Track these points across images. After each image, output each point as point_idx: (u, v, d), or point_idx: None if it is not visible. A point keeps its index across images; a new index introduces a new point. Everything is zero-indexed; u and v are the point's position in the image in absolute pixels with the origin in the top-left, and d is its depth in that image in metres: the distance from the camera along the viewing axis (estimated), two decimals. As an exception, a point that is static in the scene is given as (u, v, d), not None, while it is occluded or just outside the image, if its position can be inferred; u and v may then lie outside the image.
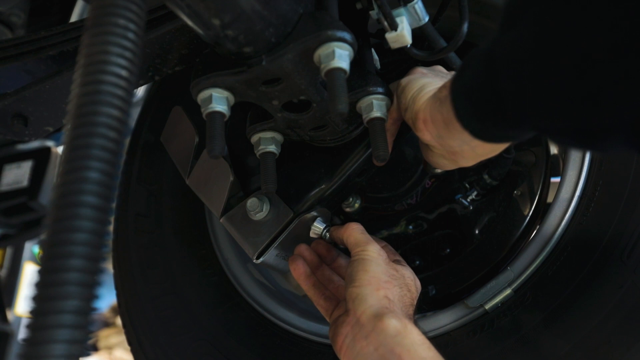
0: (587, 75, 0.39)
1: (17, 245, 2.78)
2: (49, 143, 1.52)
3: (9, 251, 2.82)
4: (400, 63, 0.82)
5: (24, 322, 2.79)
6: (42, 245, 0.35)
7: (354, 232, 0.70)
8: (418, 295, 0.69)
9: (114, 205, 0.38)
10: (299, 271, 0.72)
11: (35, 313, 0.33)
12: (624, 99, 0.38)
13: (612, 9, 0.36)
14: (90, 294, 0.35)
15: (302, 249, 0.74)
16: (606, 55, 0.37)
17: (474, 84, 0.50)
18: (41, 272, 0.34)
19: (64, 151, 0.37)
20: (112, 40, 0.40)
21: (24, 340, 0.33)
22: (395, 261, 0.71)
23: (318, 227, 0.75)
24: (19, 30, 1.24)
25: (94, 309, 0.35)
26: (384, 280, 0.63)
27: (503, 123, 0.50)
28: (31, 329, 0.33)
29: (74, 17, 1.21)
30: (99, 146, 0.38)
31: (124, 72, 0.40)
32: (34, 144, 1.50)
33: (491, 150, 0.58)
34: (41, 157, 1.48)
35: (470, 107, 0.52)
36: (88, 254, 0.35)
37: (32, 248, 2.96)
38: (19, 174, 1.47)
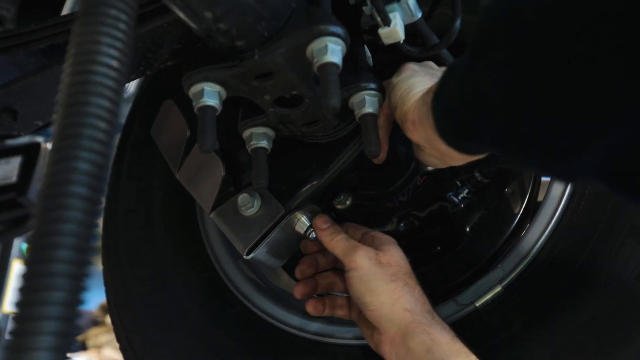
0: (552, 122, 0.39)
1: (6, 242, 2.75)
2: (38, 139, 1.50)
3: (-4, 248, 2.79)
4: (395, 61, 0.82)
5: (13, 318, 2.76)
6: (30, 236, 0.35)
7: (339, 243, 0.70)
8: (408, 264, 0.70)
9: (104, 197, 0.38)
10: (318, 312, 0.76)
11: (21, 304, 0.33)
12: (587, 148, 0.38)
13: (572, 51, 0.35)
14: (78, 286, 0.34)
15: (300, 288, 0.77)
16: (569, 104, 0.37)
17: (451, 106, 0.51)
18: (28, 263, 0.34)
19: (53, 141, 0.37)
20: (103, 31, 0.40)
21: (11, 332, 0.33)
22: (367, 234, 0.73)
23: (305, 223, 0.75)
24: (9, 24, 1.22)
25: (82, 302, 0.35)
26: (392, 290, 0.64)
27: (479, 146, 0.52)
28: (17, 321, 0.33)
29: (65, 11, 1.20)
30: (88, 136, 0.37)
31: (114, 63, 0.40)
32: (23, 140, 1.49)
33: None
34: (30, 153, 1.46)
35: (448, 125, 0.53)
36: (76, 245, 0.35)
37: (21, 245, 2.93)
38: (7, 170, 1.46)
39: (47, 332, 0.32)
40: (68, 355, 0.33)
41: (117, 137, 1.08)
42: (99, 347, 3.56)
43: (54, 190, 0.36)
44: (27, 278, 0.33)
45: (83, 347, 3.61)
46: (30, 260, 0.34)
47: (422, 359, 0.59)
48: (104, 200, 0.37)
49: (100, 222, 1.02)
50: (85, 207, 0.36)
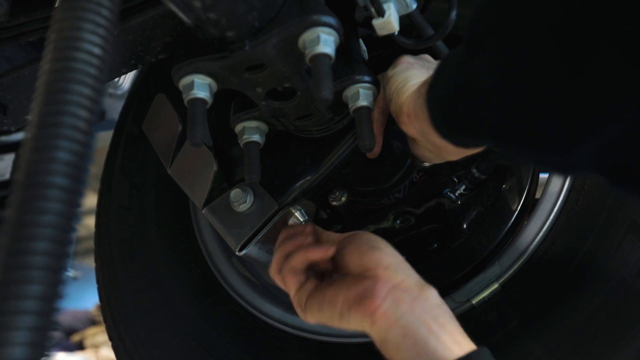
0: (547, 113, 0.38)
1: None
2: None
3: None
4: (391, 55, 0.81)
5: None
6: (6, 227, 0.33)
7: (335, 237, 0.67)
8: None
9: (84, 187, 0.36)
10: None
11: (-4, 298, 0.32)
12: (582, 140, 0.37)
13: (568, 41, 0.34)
14: (56, 279, 0.33)
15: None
16: (565, 95, 0.36)
17: (445, 98, 0.49)
18: (3, 255, 0.32)
19: (30, 129, 0.36)
20: (85, 17, 0.38)
21: (-16, 326, 0.31)
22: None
23: (299, 219, 0.73)
24: (2, 18, 1.21)
25: (61, 295, 0.34)
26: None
27: (474, 139, 0.50)
28: (-8, 315, 0.31)
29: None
30: (69, 125, 0.36)
31: (96, 50, 0.38)
32: (16, 137, 1.47)
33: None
34: (24, 150, 1.44)
35: (442, 117, 0.51)
36: (55, 237, 0.33)
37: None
38: (1, 167, 1.44)
39: (23, 327, 0.31)
40: (45, 351, 0.31)
41: (110, 134, 1.06)
42: (96, 346, 3.55)
43: (33, 180, 0.34)
44: (3, 271, 0.32)
45: (80, 346, 3.59)
46: (6, 252, 0.32)
47: (433, 309, 0.57)
48: (86, 191, 0.36)
49: (93, 219, 1.01)
50: (65, 198, 0.34)
